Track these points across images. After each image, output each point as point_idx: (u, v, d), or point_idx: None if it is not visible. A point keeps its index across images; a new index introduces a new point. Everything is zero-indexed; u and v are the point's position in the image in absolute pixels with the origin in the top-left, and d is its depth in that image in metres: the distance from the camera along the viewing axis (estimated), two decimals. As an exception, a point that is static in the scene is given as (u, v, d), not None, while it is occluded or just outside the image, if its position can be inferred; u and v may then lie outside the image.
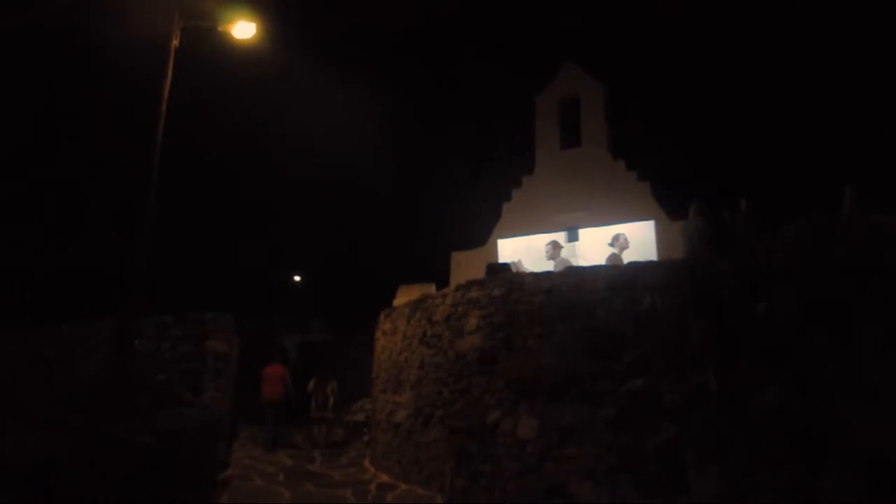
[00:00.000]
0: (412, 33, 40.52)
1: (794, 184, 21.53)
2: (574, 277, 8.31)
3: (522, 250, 13.58)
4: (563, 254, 12.01)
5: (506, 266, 10.42)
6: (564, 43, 35.77)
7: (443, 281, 13.70)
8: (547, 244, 11.96)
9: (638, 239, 12.32)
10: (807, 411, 5.67)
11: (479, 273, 10.31)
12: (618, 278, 7.79)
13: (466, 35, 40.43)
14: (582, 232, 13.67)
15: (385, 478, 10.65)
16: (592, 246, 12.88)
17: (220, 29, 9.84)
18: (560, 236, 13.30)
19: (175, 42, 9.23)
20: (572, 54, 15.54)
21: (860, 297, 5.82)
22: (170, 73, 9.08)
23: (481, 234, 15.37)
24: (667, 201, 13.33)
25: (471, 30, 40.98)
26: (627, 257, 10.46)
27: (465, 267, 14.34)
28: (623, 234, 11.30)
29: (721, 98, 33.39)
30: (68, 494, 4.03)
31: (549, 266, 10.92)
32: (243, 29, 9.92)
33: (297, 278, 29.64)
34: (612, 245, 11.13)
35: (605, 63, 32.55)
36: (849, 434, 5.44)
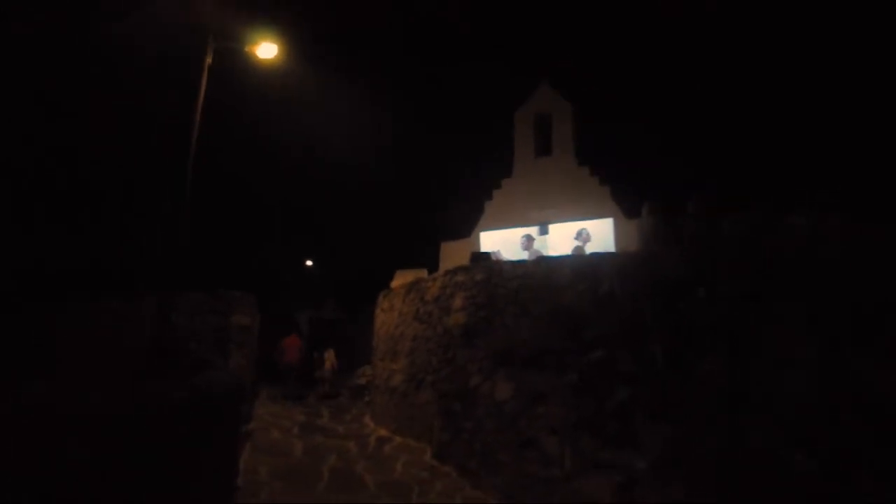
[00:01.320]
0: (409, 35, 39.68)
1: (736, 184, 21.78)
2: (545, 265, 8.34)
3: (501, 242, 13.65)
4: (536, 245, 12.11)
5: (487, 255, 10.47)
6: (544, 56, 35.54)
7: (433, 267, 13.73)
8: (522, 237, 12.06)
9: (599, 234, 12.40)
10: (739, 376, 5.78)
11: (465, 261, 10.34)
12: (582, 267, 7.83)
13: (458, 42, 39.65)
14: (552, 227, 13.71)
15: (383, 432, 10.70)
16: (560, 239, 12.95)
17: (246, 49, 9.78)
18: (533, 230, 13.37)
19: (209, 60, 9.18)
20: (547, 61, 15.52)
21: (782, 283, 5.92)
22: (204, 85, 9.04)
23: (467, 227, 15.39)
24: (624, 202, 13.40)
25: (463, 37, 40.18)
26: (590, 249, 10.54)
27: (452, 255, 14.36)
28: (586, 229, 11.40)
29: (674, 112, 33.50)
30: (118, 441, 4.08)
31: (523, 255, 11.02)
32: (266, 49, 9.85)
33: (309, 263, 29.56)
34: (577, 238, 11.23)
35: (577, 73, 32.58)
36: (770, 395, 5.56)
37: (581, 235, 11.30)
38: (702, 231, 7.31)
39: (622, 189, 13.87)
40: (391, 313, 11.95)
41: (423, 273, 12.45)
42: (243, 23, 10.05)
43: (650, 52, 35.44)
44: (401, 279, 12.86)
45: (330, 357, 16.65)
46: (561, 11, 39.88)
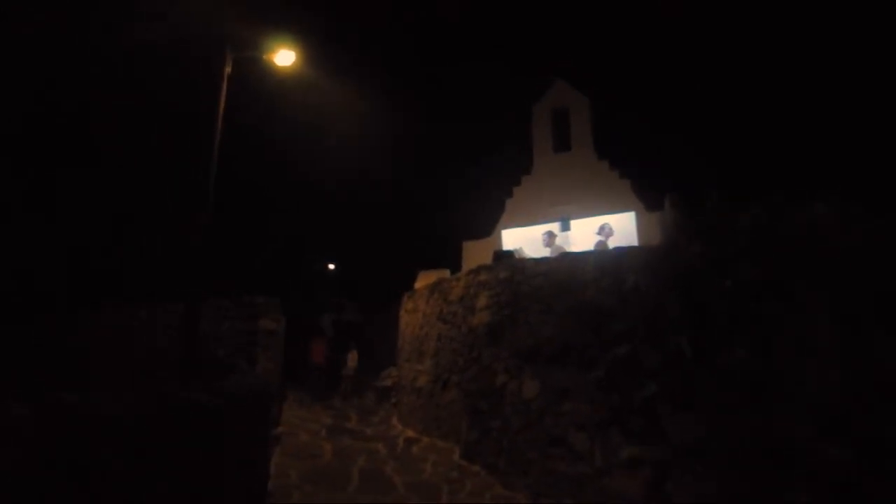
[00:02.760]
0: (409, 35, 39.44)
1: (756, 175, 21.52)
2: (568, 262, 8.33)
3: (523, 239, 13.62)
4: (558, 242, 12.05)
5: (509, 253, 10.46)
6: (557, 51, 35.31)
7: (456, 267, 13.77)
8: (544, 233, 12.00)
9: (621, 228, 12.32)
10: (763, 367, 5.74)
11: (487, 259, 10.36)
12: (605, 262, 7.81)
13: (469, 38, 39.34)
14: (573, 223, 13.69)
15: (410, 433, 10.75)
16: (582, 234, 12.91)
17: (264, 57, 9.87)
18: (555, 227, 13.35)
19: (228, 69, 9.29)
20: (568, 54, 15.50)
21: (803, 271, 5.86)
22: (224, 93, 9.16)
23: (488, 225, 15.43)
24: (645, 195, 13.33)
25: (472, 33, 39.74)
26: (612, 244, 10.48)
27: (474, 254, 14.39)
28: (608, 224, 11.30)
29: (693, 103, 33.09)
30: (149, 444, 4.15)
31: (545, 252, 10.95)
32: (284, 56, 9.93)
33: (331, 266, 29.74)
34: (599, 233, 11.15)
35: (595, 67, 32.29)
36: (795, 384, 5.51)
37: (603, 230, 11.21)
38: (724, 222, 7.24)
39: (643, 182, 13.81)
40: (415, 314, 12.00)
41: (446, 273, 12.48)
42: (249, 27, 10.15)
43: (652, 48, 35.06)
44: (424, 280, 12.90)
45: (353, 357, 17.52)
46: (560, 11, 39.62)
